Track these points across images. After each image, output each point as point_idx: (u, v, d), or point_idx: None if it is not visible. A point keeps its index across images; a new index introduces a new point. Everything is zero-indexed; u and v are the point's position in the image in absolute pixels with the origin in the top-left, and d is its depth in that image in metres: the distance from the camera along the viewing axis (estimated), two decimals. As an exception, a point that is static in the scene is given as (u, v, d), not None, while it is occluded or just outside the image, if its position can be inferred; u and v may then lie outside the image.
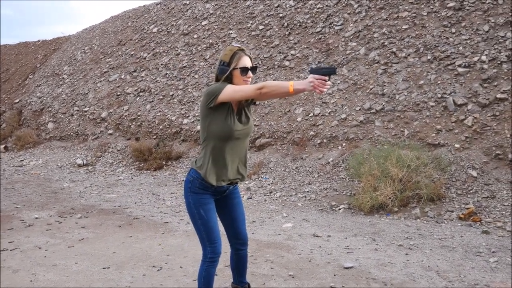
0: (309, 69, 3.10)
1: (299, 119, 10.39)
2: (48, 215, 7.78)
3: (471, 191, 7.49)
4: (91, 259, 5.54)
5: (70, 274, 5.07)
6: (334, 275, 4.93)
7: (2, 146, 15.54)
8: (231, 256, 3.80)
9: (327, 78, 2.99)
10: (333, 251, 5.76)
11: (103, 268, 5.22)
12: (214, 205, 3.53)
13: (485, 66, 8.87)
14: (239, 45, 3.39)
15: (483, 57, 9.01)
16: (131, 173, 11.52)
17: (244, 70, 3.32)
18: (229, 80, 3.33)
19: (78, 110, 15.40)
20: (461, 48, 9.42)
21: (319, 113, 10.23)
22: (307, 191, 8.65)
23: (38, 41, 22.63)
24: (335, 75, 3.27)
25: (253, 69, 3.39)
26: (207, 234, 3.44)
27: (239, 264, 3.79)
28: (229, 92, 3.19)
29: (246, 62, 3.33)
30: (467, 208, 7.13)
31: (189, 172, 3.51)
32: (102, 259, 5.55)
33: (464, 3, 10.05)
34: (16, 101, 17.97)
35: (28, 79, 19.38)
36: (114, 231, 6.78)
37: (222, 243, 3.53)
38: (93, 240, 6.35)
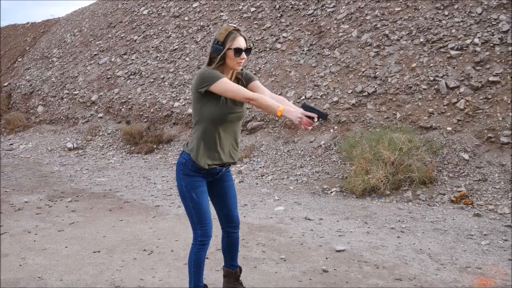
0: (302, 104, 3.10)
1: (291, 102, 10.30)
2: (38, 199, 7.71)
3: (463, 174, 7.48)
4: (81, 243, 5.49)
5: (60, 258, 5.01)
6: (326, 258, 4.91)
7: (-9, 130, 15.38)
8: (222, 239, 3.76)
9: (316, 118, 2.99)
10: (325, 234, 5.75)
11: (94, 252, 5.17)
12: (206, 188, 3.49)
13: (478, 49, 8.82)
14: (235, 25, 3.31)
15: (476, 40, 8.95)
16: (121, 157, 11.44)
17: (238, 51, 3.23)
18: (223, 60, 3.26)
19: (68, 94, 15.24)
20: (453, 30, 9.36)
21: (311, 96, 10.16)
22: (299, 174, 8.62)
23: (27, 23, 22.29)
24: (325, 121, 3.31)
25: (247, 50, 3.31)
26: (198, 217, 3.41)
27: (230, 248, 3.75)
28: (221, 87, 3.17)
29: (240, 43, 3.25)
30: (459, 191, 7.13)
31: (181, 154, 3.46)
32: (93, 243, 5.50)
33: (457, -15, 9.96)
34: (5, 84, 17.75)
35: (17, 62, 19.13)
36: (105, 214, 6.73)
37: (213, 226, 3.50)
38: (83, 224, 6.30)
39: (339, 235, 5.70)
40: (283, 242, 5.46)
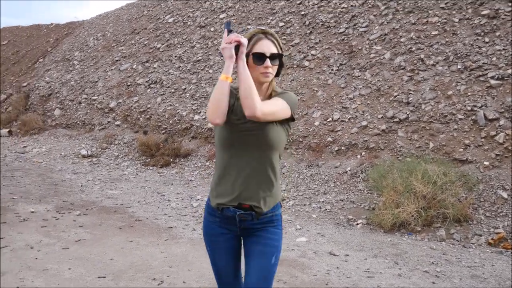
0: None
1: (316, 123, 9.83)
2: (45, 210, 7.29)
3: (501, 214, 6.92)
4: (86, 265, 5.04)
5: (61, 281, 4.58)
6: (356, 305, 4.39)
7: (7, 130, 15.07)
8: None
9: (227, 32, 2.47)
10: (352, 273, 5.23)
11: (98, 277, 4.73)
12: (232, 243, 2.72)
13: (521, 80, 8.29)
14: (265, 28, 2.62)
15: (519, 70, 8.42)
16: (136, 168, 11.01)
17: (258, 58, 2.51)
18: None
19: (86, 98, 14.91)
20: (494, 58, 8.83)
21: (338, 118, 9.67)
22: (322, 201, 8.10)
23: (51, 24, 22.17)
24: (229, 27, 2.34)
25: (276, 57, 2.55)
26: (215, 276, 2.79)
27: None
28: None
29: (264, 47, 2.53)
30: (497, 233, 6.57)
31: None
32: (98, 266, 5.06)
33: (500, 11, 9.45)
34: (24, 84, 17.50)
35: (38, 62, 18.90)
36: (114, 233, 6.27)
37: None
38: (90, 242, 5.85)
39: (368, 276, 5.18)
40: (306, 280, 4.96)
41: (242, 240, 2.74)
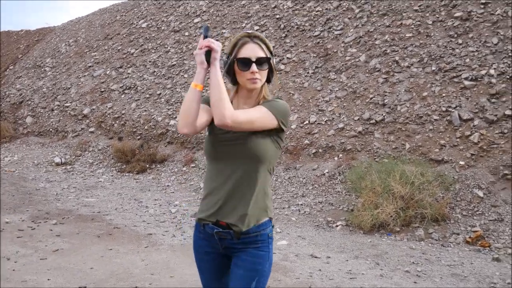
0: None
1: (293, 126, 9.83)
2: (20, 220, 7.13)
3: (477, 213, 7.00)
4: (66, 275, 4.93)
5: (40, 293, 4.46)
6: (340, 307, 4.38)
7: (-23, 139, 14.75)
8: None
9: (203, 37, 2.33)
10: (335, 275, 5.23)
11: (79, 287, 4.62)
12: (217, 262, 2.52)
13: (493, 80, 8.41)
14: (251, 31, 2.42)
15: (491, 71, 8.54)
16: (112, 175, 10.86)
17: (243, 63, 2.34)
18: (233, 77, 2.42)
19: (59, 105, 14.68)
20: (468, 60, 8.95)
21: (315, 121, 9.69)
22: (301, 204, 8.10)
23: (21, 30, 21.81)
24: (207, 32, 2.18)
25: (262, 61, 2.36)
26: None
27: None
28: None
29: (249, 51, 2.34)
30: (474, 231, 6.65)
31: None
32: (78, 275, 4.95)
33: (472, 13, 9.59)
34: (-6, 92, 17.17)
35: (8, 69, 18.56)
36: (92, 241, 6.16)
37: None
38: (68, 251, 5.73)
39: (350, 278, 5.18)
40: (290, 283, 4.94)
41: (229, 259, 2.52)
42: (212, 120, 2.33)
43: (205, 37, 2.32)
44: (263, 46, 2.39)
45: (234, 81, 2.44)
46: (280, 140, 2.45)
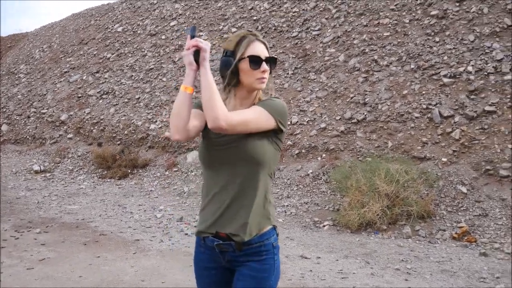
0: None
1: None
2: (3, 229, 6.97)
3: (462, 208, 7.09)
4: (55, 285, 4.83)
5: (29, 304, 4.37)
6: (335, 307, 4.39)
7: (-49, 149, 14.42)
8: None
9: (189, 38, 2.21)
10: (326, 275, 5.23)
11: (69, 297, 4.54)
12: (219, 278, 2.35)
13: (472, 77, 8.53)
14: (251, 30, 2.30)
15: (469, 68, 8.66)
16: (93, 182, 10.72)
17: (255, 61, 2.19)
18: (236, 77, 2.24)
19: (35, 112, 14.44)
20: (445, 57, 9.07)
21: (297, 121, 9.71)
22: (287, 205, 8.10)
23: (-7, 37, 21.44)
24: (193, 32, 2.09)
25: (271, 61, 2.25)
26: None
27: None
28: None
29: (258, 49, 2.21)
30: (460, 227, 6.72)
31: None
32: (68, 284, 4.86)
33: (448, 11, 9.72)
34: (-33, 100, 16.83)
35: (-20, 77, 18.22)
36: (79, 249, 6.06)
37: None
38: (55, 260, 5.63)
39: (342, 277, 5.19)
40: (282, 285, 4.91)
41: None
42: (206, 125, 2.20)
43: (192, 37, 2.21)
44: (266, 46, 2.29)
45: (238, 81, 2.27)
46: (279, 141, 2.30)
